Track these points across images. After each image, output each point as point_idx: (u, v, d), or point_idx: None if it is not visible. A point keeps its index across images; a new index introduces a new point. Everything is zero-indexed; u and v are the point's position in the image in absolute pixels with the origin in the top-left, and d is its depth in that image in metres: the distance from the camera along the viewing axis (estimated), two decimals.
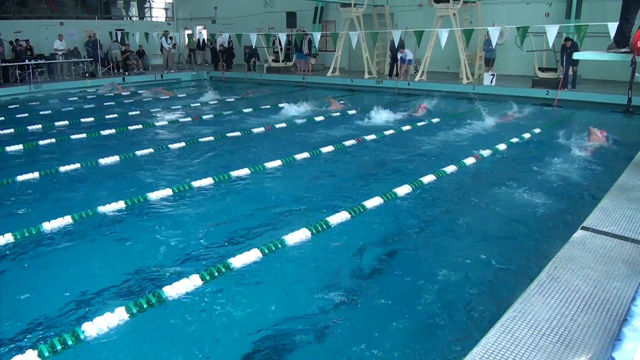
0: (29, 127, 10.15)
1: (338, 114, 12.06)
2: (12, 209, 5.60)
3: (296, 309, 3.61)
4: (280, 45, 18.54)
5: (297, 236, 4.65)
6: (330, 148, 8.31)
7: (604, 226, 3.81)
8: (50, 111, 12.37)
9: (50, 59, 18.46)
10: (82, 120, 11.05)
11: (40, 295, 3.79)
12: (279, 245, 4.47)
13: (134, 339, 3.27)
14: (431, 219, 5.42)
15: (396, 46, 16.38)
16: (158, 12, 27.55)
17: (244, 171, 6.92)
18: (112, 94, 15.85)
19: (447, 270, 4.13)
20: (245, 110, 12.68)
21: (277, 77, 19.43)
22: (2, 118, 11.35)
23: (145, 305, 3.52)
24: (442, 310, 3.56)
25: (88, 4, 23.87)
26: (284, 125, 10.67)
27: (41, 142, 8.77)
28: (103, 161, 7.54)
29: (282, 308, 3.63)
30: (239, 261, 4.14)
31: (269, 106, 13.12)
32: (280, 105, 12.61)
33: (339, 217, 5.12)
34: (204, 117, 11.83)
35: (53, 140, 8.95)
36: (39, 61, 17.62)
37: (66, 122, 10.74)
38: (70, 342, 3.13)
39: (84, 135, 9.44)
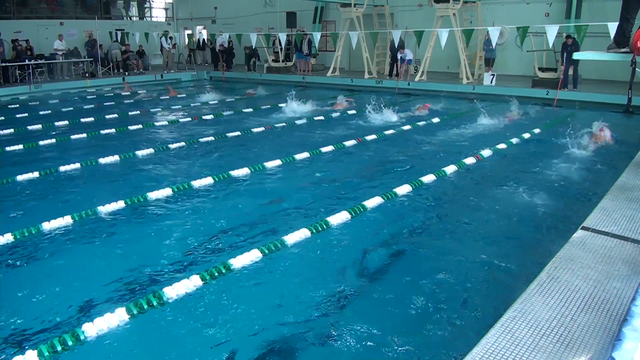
0: (29, 127, 10.15)
1: (338, 114, 12.06)
2: (12, 209, 5.60)
3: (296, 310, 3.61)
4: (280, 45, 18.54)
5: (297, 236, 4.66)
6: (330, 148, 8.31)
7: (604, 226, 3.81)
8: (50, 111, 12.37)
9: (50, 59, 18.47)
10: (82, 120, 11.06)
11: (40, 296, 3.79)
12: (279, 246, 4.47)
13: (134, 339, 3.27)
14: (431, 218, 5.42)
15: (396, 46, 16.39)
16: (158, 12, 27.54)
17: (244, 171, 6.92)
18: (129, 93, 15.82)
19: (448, 270, 4.13)
20: (246, 110, 12.69)
21: (277, 77, 19.43)
22: (2, 118, 11.35)
23: (145, 306, 3.52)
24: (443, 310, 3.56)
25: (88, 4, 23.86)
26: (284, 125, 10.68)
27: (41, 142, 8.77)
28: (103, 161, 7.54)
29: (282, 308, 3.63)
30: (239, 262, 4.14)
31: (269, 106, 13.13)
32: (280, 105, 12.64)
33: (339, 217, 5.12)
34: (204, 117, 11.83)
35: (53, 140, 8.95)
36: (39, 61, 17.62)
37: (66, 122, 10.74)
38: (70, 343, 3.13)
39: (84, 135, 9.44)
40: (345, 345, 3.18)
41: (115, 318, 3.36)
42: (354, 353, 3.12)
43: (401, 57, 16.45)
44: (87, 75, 19.03)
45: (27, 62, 16.78)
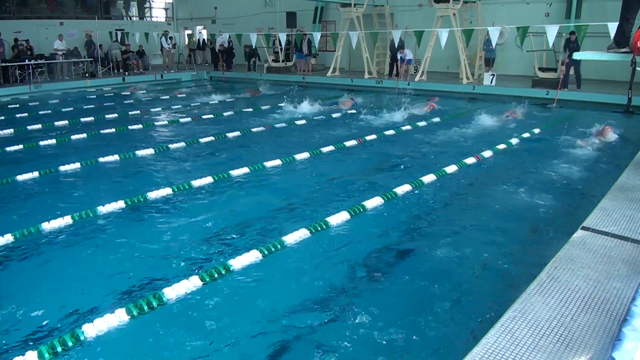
0: (29, 127, 10.15)
1: (339, 114, 12.07)
2: (12, 209, 5.60)
3: (296, 310, 3.61)
4: (280, 45, 18.54)
5: (297, 236, 4.65)
6: (330, 148, 8.30)
7: (604, 226, 3.81)
8: (50, 111, 12.37)
9: (50, 59, 18.47)
10: (82, 120, 11.06)
11: (40, 296, 3.78)
12: (279, 246, 4.47)
13: (134, 340, 3.27)
14: (432, 218, 5.41)
15: (396, 46, 16.39)
16: (158, 12, 27.55)
17: (244, 170, 6.92)
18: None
19: (448, 270, 4.13)
20: (246, 110, 12.70)
21: (277, 77, 19.43)
22: (2, 118, 11.35)
23: (145, 307, 3.52)
24: (443, 310, 3.56)
25: (88, 4, 23.87)
26: (284, 125, 10.68)
27: (41, 142, 8.77)
28: (103, 161, 7.54)
29: (281, 309, 3.62)
30: (238, 262, 4.13)
31: (269, 106, 13.13)
32: (282, 105, 12.69)
33: (338, 217, 5.12)
34: (204, 116, 11.83)
35: (53, 140, 8.95)
36: (39, 61, 17.62)
37: (66, 122, 10.75)
38: (70, 344, 3.12)
39: (84, 135, 9.44)
40: (345, 345, 3.18)
41: (115, 319, 3.36)
42: (354, 353, 3.11)
43: (401, 57, 16.46)
44: (87, 75, 19.03)
45: (27, 62, 16.78)
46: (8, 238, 4.67)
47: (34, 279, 4.09)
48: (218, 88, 16.78)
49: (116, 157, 7.72)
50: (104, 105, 13.48)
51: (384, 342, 3.20)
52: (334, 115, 11.89)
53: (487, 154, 7.90)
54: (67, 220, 5.09)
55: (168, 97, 15.46)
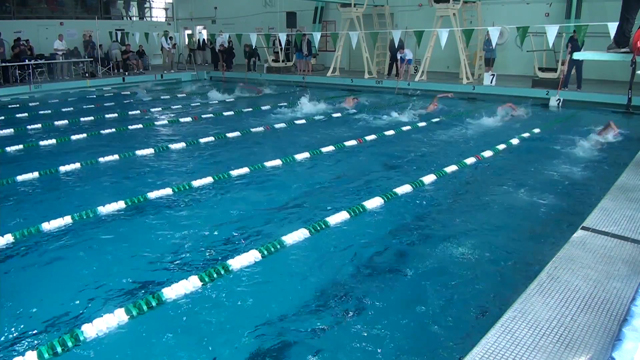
0: (29, 127, 10.16)
1: (339, 114, 12.07)
2: (12, 209, 5.59)
3: (295, 310, 3.60)
4: (280, 45, 18.54)
5: (296, 236, 4.65)
6: (330, 148, 8.30)
7: (604, 226, 3.80)
8: (50, 111, 12.37)
9: (50, 59, 18.47)
10: (82, 120, 11.06)
11: (40, 296, 3.78)
12: (278, 246, 4.47)
13: (134, 340, 3.27)
14: (432, 218, 5.41)
15: (396, 46, 16.39)
16: (158, 12, 27.56)
17: (244, 170, 6.92)
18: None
19: (448, 270, 4.13)
20: (246, 110, 12.69)
21: (277, 77, 19.43)
22: (2, 118, 11.35)
23: (144, 307, 3.52)
24: (443, 310, 3.55)
25: (88, 4, 23.87)
26: (283, 125, 10.67)
27: (41, 142, 8.77)
28: (103, 161, 7.54)
29: (281, 309, 3.62)
30: (237, 262, 4.13)
31: (269, 106, 13.13)
32: (284, 104, 12.74)
33: (338, 217, 5.12)
34: (204, 116, 11.83)
35: (53, 140, 8.94)
36: (39, 61, 17.62)
37: (66, 122, 10.75)
38: (69, 344, 3.12)
39: (84, 135, 9.44)
40: (345, 345, 3.18)
41: (115, 319, 3.36)
42: (354, 353, 3.11)
43: (401, 57, 16.46)
44: (87, 75, 19.03)
45: (27, 62, 16.78)
46: (8, 238, 4.67)
47: (34, 278, 4.09)
48: (218, 88, 16.77)
49: (116, 157, 7.72)
50: (104, 105, 13.48)
51: (384, 342, 3.20)
52: (334, 115, 11.89)
53: (487, 153, 7.90)
54: (67, 220, 5.09)
55: (169, 97, 15.45)
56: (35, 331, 3.34)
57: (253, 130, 10.00)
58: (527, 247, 4.66)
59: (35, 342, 3.21)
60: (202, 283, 3.84)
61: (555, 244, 4.01)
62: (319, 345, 3.20)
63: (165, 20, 27.36)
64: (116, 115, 11.81)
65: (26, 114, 11.79)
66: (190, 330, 3.36)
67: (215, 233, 4.94)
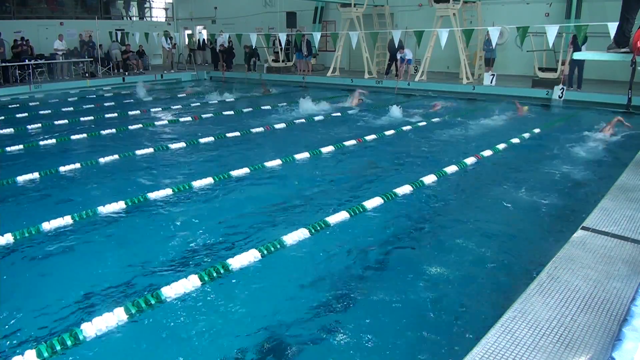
0: (29, 127, 10.15)
1: (339, 114, 12.07)
2: (12, 209, 5.60)
3: (295, 310, 3.60)
4: (280, 45, 18.54)
5: (296, 236, 4.65)
6: (330, 148, 8.30)
7: (604, 226, 3.80)
8: (50, 111, 12.37)
9: (50, 59, 18.46)
10: (82, 120, 11.06)
11: (40, 296, 3.78)
12: (278, 246, 4.47)
13: (133, 339, 3.27)
14: (432, 218, 5.41)
15: (396, 46, 16.38)
16: (158, 12, 27.57)
17: (244, 171, 6.91)
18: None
19: (448, 270, 4.13)
20: (246, 110, 12.70)
21: (277, 77, 19.43)
22: (2, 118, 11.35)
23: (144, 306, 3.52)
24: (443, 310, 3.55)
25: (88, 4, 23.88)
26: (283, 125, 10.67)
27: (41, 142, 8.77)
28: (103, 161, 7.54)
29: (280, 309, 3.62)
30: (237, 262, 4.13)
31: (269, 106, 13.14)
32: (287, 104, 12.83)
33: (338, 217, 5.12)
34: (204, 116, 11.83)
35: (53, 140, 8.94)
36: (39, 61, 17.62)
37: (66, 122, 10.75)
38: (69, 343, 3.12)
39: (84, 135, 9.43)
40: (345, 346, 3.17)
41: (114, 318, 3.36)
42: (354, 353, 3.11)
43: (401, 56, 16.45)
44: (87, 75, 19.03)
45: (27, 62, 16.77)
46: (8, 238, 4.67)
47: (34, 278, 4.09)
48: (218, 88, 16.78)
49: (116, 156, 7.72)
50: (104, 105, 13.48)
51: (384, 342, 3.19)
52: (334, 115, 11.90)
53: (487, 153, 7.90)
54: (67, 220, 5.09)
55: (169, 96, 15.45)
56: (34, 330, 3.33)
57: (253, 130, 9.99)
58: (527, 246, 4.65)
59: (35, 340, 3.21)
60: (201, 282, 3.84)
61: (555, 244, 4.01)
62: (319, 344, 3.20)
63: (165, 20, 27.36)
64: (116, 115, 11.81)
65: (26, 114, 11.78)
66: (189, 329, 3.35)
67: (215, 233, 4.94)
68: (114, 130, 9.86)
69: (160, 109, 13.02)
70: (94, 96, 15.60)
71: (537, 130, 9.74)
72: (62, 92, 16.32)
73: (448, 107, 12.80)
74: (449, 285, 3.91)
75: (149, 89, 16.47)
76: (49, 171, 6.90)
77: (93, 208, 5.38)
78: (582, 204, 5.53)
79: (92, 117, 11.35)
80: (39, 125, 10.35)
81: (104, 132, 9.69)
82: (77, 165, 7.22)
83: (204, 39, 23.62)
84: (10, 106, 13.50)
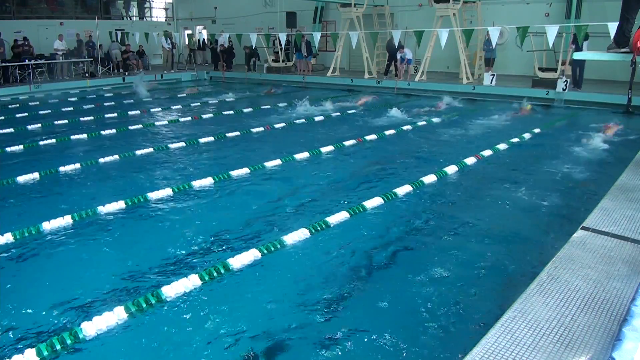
0: (29, 127, 10.15)
1: (338, 113, 12.07)
2: (12, 209, 5.60)
3: (295, 310, 3.60)
4: (280, 45, 18.53)
5: (296, 236, 4.65)
6: (330, 147, 8.30)
7: (604, 226, 3.80)
8: (50, 111, 12.37)
9: (50, 59, 18.46)
10: (82, 120, 11.06)
11: (40, 295, 3.78)
12: (278, 246, 4.47)
13: (133, 338, 3.27)
14: (432, 219, 5.41)
15: (395, 46, 16.38)
16: (158, 12, 27.55)
17: (244, 170, 6.92)
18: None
19: (448, 270, 4.12)
20: (246, 110, 12.70)
21: (277, 77, 19.42)
22: (2, 118, 11.35)
23: (144, 305, 3.52)
24: (443, 311, 3.55)
25: (88, 4, 23.87)
26: (283, 125, 10.68)
27: (41, 142, 8.76)
28: (103, 161, 7.54)
29: (280, 308, 3.62)
30: (237, 261, 4.13)
31: (268, 106, 13.14)
32: (287, 105, 12.85)
33: (338, 217, 5.12)
34: (204, 116, 11.83)
35: (53, 140, 8.94)
36: (39, 61, 17.62)
37: (66, 122, 10.75)
38: (69, 342, 3.12)
39: (84, 135, 9.43)
40: (344, 346, 3.17)
41: (114, 317, 3.36)
42: (353, 353, 3.11)
43: (401, 56, 16.45)
44: (87, 75, 19.03)
45: (27, 62, 16.77)
46: (8, 238, 4.67)
47: (34, 278, 4.09)
48: (218, 88, 16.77)
49: (116, 157, 7.72)
50: (104, 105, 13.48)
51: (384, 342, 3.19)
52: (333, 115, 11.90)
53: (487, 153, 7.90)
54: (67, 220, 5.09)
55: (169, 96, 15.44)
56: (34, 329, 3.33)
57: (253, 130, 9.99)
58: (527, 246, 4.65)
59: (35, 339, 3.21)
60: (202, 282, 3.84)
61: (555, 244, 4.01)
62: (319, 344, 3.20)
63: (165, 20, 27.36)
64: (116, 115, 11.81)
65: (26, 114, 11.79)
66: (189, 328, 3.35)
67: (215, 232, 4.94)
68: (114, 130, 9.86)
69: (160, 109, 13.02)
70: (94, 96, 15.60)
71: (537, 130, 9.74)
72: (62, 92, 16.32)
73: (448, 107, 12.80)
74: (449, 285, 3.90)
75: (150, 88, 16.48)
76: (49, 171, 6.90)
77: (93, 208, 5.38)
78: (582, 204, 5.54)
79: (92, 117, 11.35)
80: (39, 125, 10.35)
81: (104, 132, 9.69)
82: (77, 165, 7.22)
83: (204, 39, 23.61)
84: (10, 106, 13.50)
